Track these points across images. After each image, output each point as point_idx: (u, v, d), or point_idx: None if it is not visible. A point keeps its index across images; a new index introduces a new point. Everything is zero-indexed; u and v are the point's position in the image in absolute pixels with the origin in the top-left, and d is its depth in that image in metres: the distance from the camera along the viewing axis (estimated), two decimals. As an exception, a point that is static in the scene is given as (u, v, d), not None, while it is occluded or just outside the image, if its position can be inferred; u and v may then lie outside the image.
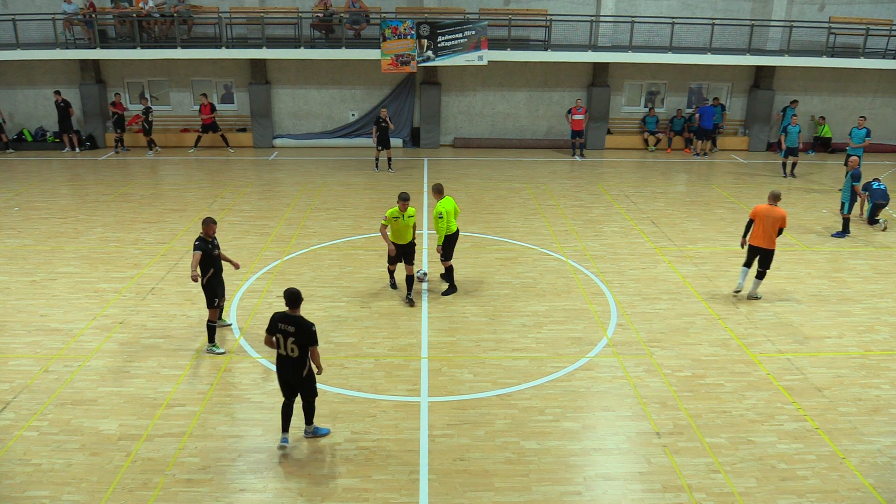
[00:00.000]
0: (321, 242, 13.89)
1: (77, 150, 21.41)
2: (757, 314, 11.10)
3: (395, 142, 22.41)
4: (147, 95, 21.83)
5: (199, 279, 9.43)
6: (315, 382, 7.64)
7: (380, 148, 19.33)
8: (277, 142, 22.54)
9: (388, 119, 19.01)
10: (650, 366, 9.49)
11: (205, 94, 21.36)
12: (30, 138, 21.78)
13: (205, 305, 9.83)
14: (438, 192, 11.50)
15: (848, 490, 7.18)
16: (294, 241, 13.96)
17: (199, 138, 21.49)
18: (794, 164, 19.56)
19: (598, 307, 11.25)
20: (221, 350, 9.71)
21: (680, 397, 8.76)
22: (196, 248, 9.27)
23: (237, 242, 13.80)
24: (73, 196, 17.03)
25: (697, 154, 22.32)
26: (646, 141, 22.96)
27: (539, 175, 19.49)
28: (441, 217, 11.01)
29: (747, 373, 9.37)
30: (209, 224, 9.47)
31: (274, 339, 7.38)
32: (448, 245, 11.40)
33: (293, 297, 7.32)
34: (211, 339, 9.69)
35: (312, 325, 7.29)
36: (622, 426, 8.19)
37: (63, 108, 20.93)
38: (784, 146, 19.26)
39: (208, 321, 9.65)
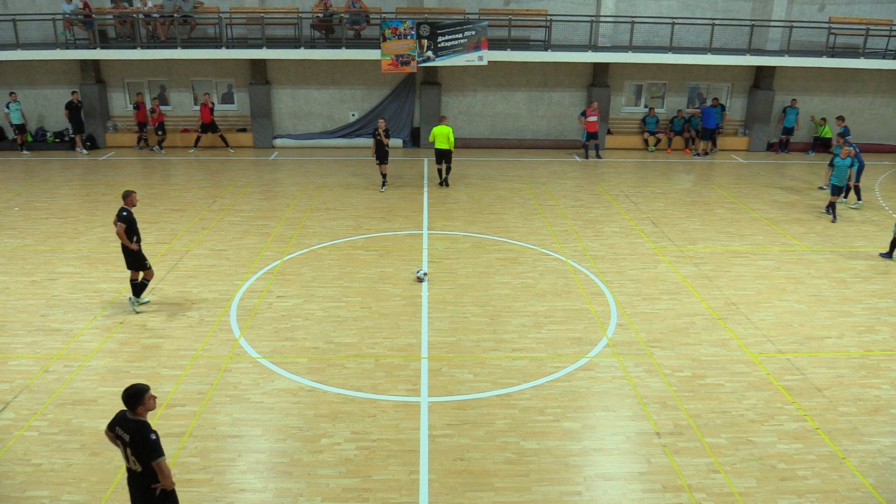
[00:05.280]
0: (321, 242, 13.89)
1: (84, 151, 21.44)
2: (757, 314, 11.10)
3: (396, 142, 22.44)
4: (149, 97, 21.92)
5: (133, 244, 10.53)
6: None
7: (377, 162, 17.78)
8: (277, 142, 22.54)
9: (382, 132, 17.15)
10: (650, 366, 9.49)
11: (207, 94, 21.43)
12: (30, 138, 21.78)
13: (133, 274, 10.83)
14: (440, 119, 18.34)
15: (848, 490, 7.18)
16: (294, 241, 13.96)
17: (198, 138, 21.52)
18: (832, 205, 16.01)
19: (598, 307, 11.25)
20: (146, 300, 11.00)
21: (680, 397, 8.76)
22: (123, 219, 10.35)
23: (237, 242, 13.80)
24: (73, 196, 17.03)
25: (699, 154, 22.33)
26: (646, 141, 22.97)
27: (539, 175, 19.49)
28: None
29: (747, 373, 9.37)
30: (130, 195, 10.57)
31: (117, 440, 5.74)
32: (438, 155, 17.95)
33: (129, 397, 5.59)
34: (137, 294, 10.86)
35: (152, 432, 5.58)
36: (622, 426, 8.19)
37: (77, 109, 21.00)
38: (828, 182, 16.38)
39: (143, 279, 10.86)
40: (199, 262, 12.85)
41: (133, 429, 5.56)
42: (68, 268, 12.53)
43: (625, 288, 11.97)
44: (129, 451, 5.61)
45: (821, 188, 18.31)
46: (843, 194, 16.31)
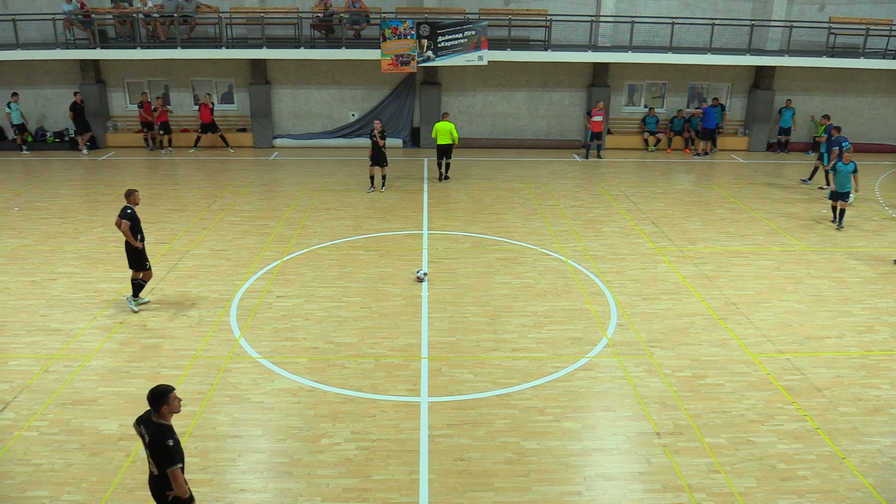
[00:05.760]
0: (321, 242, 13.89)
1: (85, 151, 21.44)
2: (757, 314, 11.10)
3: (396, 142, 22.45)
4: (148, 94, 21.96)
5: (138, 244, 10.61)
6: None
7: (371, 164, 17.29)
8: (277, 142, 22.54)
9: (377, 134, 16.75)
10: (650, 366, 9.49)
11: (209, 94, 21.49)
12: (30, 138, 21.79)
13: (134, 273, 10.87)
14: (443, 116, 18.61)
15: (848, 490, 7.18)
16: (294, 241, 13.96)
17: (198, 138, 21.52)
18: (842, 212, 15.35)
19: (598, 307, 11.25)
20: (137, 309, 10.84)
21: (680, 397, 8.76)
22: (127, 217, 10.42)
23: (237, 242, 13.80)
24: (73, 196, 17.02)
25: (699, 154, 22.32)
26: (646, 141, 22.96)
27: (539, 175, 19.50)
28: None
29: (747, 373, 9.37)
30: (133, 193, 10.63)
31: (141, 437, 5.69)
32: (440, 151, 18.35)
33: (153, 397, 5.50)
34: (135, 294, 10.89)
35: (170, 437, 5.43)
36: (622, 426, 8.19)
37: (81, 110, 21.01)
38: (832, 186, 15.51)
39: (141, 279, 10.88)
40: (199, 262, 12.85)
41: (152, 431, 5.46)
42: (68, 268, 12.53)
43: (625, 288, 11.97)
44: (148, 452, 5.53)
45: (821, 188, 18.32)
46: (844, 200, 15.36)
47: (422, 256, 13.22)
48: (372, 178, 17.48)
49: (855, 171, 15.12)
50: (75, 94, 21.10)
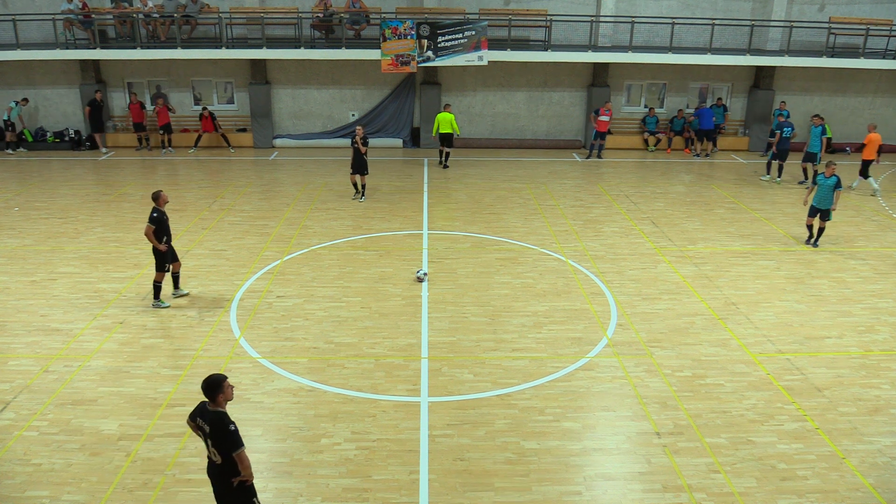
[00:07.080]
0: (321, 242, 13.89)
1: (104, 148, 21.47)
2: (757, 314, 11.10)
3: (395, 142, 22.46)
4: (148, 96, 21.95)
5: (162, 246, 10.71)
6: (250, 498, 5.97)
7: (352, 172, 16.65)
8: (277, 142, 22.54)
9: (360, 141, 16.07)
10: (650, 366, 9.49)
11: (205, 108, 21.49)
12: (30, 138, 21.77)
13: (158, 276, 10.98)
14: (445, 107, 20.02)
15: (848, 490, 7.18)
16: (294, 241, 13.96)
17: (199, 138, 21.54)
18: (820, 230, 14.05)
19: (598, 307, 11.25)
20: (167, 304, 11.01)
21: (680, 397, 8.76)
22: (152, 220, 10.58)
23: (237, 242, 13.80)
24: (73, 196, 17.02)
25: (698, 154, 22.31)
26: (646, 141, 22.96)
27: (539, 175, 19.50)
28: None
29: (747, 373, 9.37)
30: (160, 195, 10.88)
31: (199, 431, 5.93)
32: (441, 139, 19.91)
33: (208, 387, 5.77)
34: (157, 297, 10.96)
35: (231, 423, 5.71)
36: (622, 426, 8.19)
37: (99, 108, 21.06)
38: (808, 199, 14.31)
39: (155, 281, 10.90)
40: (199, 262, 12.85)
41: (212, 420, 5.69)
42: (68, 268, 12.53)
43: (625, 288, 11.97)
44: (209, 442, 5.75)
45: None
46: (824, 219, 13.94)
47: (422, 256, 13.22)
48: (355, 184, 16.75)
49: (838, 187, 13.62)
50: (96, 91, 21.04)
